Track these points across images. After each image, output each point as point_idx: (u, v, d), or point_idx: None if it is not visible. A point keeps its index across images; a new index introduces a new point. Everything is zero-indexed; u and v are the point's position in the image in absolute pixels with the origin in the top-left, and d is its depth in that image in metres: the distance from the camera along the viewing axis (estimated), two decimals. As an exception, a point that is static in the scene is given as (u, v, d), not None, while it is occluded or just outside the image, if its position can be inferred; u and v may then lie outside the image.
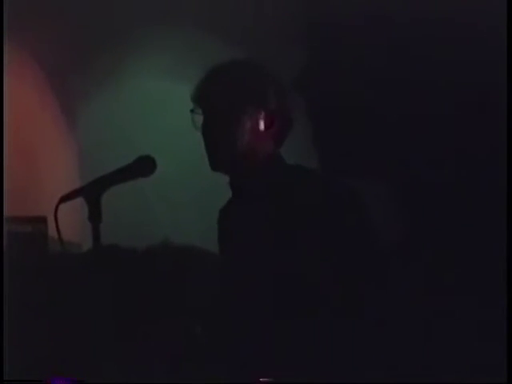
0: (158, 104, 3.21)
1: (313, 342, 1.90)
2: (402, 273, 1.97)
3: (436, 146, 2.15)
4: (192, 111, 2.28)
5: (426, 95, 2.15)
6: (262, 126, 2.21)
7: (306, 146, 2.34)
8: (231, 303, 2.07)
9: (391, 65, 2.20)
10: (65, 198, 2.06)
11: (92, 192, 2.02)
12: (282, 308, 1.98)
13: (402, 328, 1.89)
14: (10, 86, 2.63)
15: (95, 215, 2.02)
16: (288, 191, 2.12)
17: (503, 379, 1.75)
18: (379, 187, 2.17)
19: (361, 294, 1.90)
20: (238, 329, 2.03)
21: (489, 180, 2.01)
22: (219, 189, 2.33)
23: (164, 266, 2.12)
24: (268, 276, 2.02)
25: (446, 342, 1.94)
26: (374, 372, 1.81)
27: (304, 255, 2.00)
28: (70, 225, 2.16)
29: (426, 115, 2.14)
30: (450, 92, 2.07)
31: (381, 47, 2.20)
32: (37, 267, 2.33)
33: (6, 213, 2.30)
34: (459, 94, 2.09)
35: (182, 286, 2.09)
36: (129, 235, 2.26)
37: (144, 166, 2.12)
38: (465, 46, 2.05)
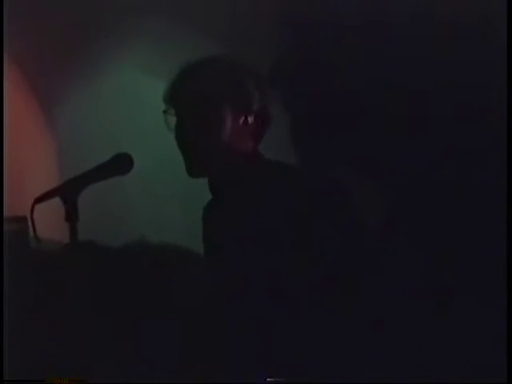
0: (137, 101, 3.19)
1: (298, 343, 1.89)
2: (400, 272, 1.96)
3: (423, 140, 2.14)
4: (165, 112, 2.19)
5: (413, 91, 2.14)
6: (239, 123, 2.14)
7: (285, 143, 2.31)
8: (213, 302, 2.05)
9: (374, 60, 2.18)
10: (40, 199, 2.03)
11: (68, 192, 2.00)
12: (267, 307, 1.96)
13: (401, 328, 1.88)
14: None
15: (72, 215, 2.00)
16: (268, 188, 2.06)
17: (503, 379, 1.74)
18: (362, 182, 2.15)
19: (355, 294, 1.88)
20: (223, 329, 2.01)
21: (488, 179, 2.00)
22: (202, 186, 2.30)
23: (141, 264, 2.09)
24: (251, 275, 1.99)
25: (446, 342, 1.94)
26: (373, 372, 1.80)
27: (287, 254, 1.97)
28: (49, 224, 2.14)
29: (412, 111, 2.13)
30: (436, 88, 2.06)
31: (363, 41, 2.18)
32: (18, 267, 2.31)
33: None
34: (447, 92, 2.08)
35: (161, 284, 2.07)
36: (107, 234, 2.24)
37: (121, 163, 2.10)
38: (464, 46, 2.03)
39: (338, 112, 2.15)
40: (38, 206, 2.05)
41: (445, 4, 2.07)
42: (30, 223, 2.09)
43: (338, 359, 1.84)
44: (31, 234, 2.14)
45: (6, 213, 2.42)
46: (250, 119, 2.14)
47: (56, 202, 2.03)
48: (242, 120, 2.14)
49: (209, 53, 2.26)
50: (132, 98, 3.21)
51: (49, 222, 2.13)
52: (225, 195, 2.17)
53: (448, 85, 2.10)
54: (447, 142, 2.15)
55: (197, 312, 2.03)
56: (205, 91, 2.14)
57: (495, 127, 1.97)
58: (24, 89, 3.26)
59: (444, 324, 1.94)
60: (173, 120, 2.18)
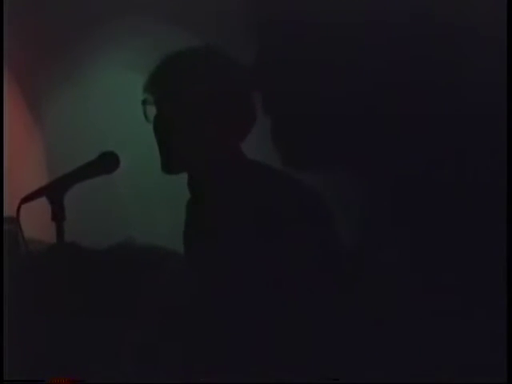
0: (123, 100, 3.18)
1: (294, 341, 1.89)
2: (399, 272, 1.96)
3: (419, 140, 2.13)
4: (143, 102, 2.10)
5: (409, 90, 2.13)
6: (220, 118, 2.04)
7: (269, 143, 2.28)
8: (197, 302, 2.04)
9: (366, 57, 2.17)
10: (26, 199, 2.03)
11: (54, 191, 1.99)
12: (250, 307, 1.94)
13: (401, 328, 1.87)
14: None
15: (59, 214, 1.99)
16: (250, 188, 1.99)
17: (503, 379, 1.74)
18: (348, 181, 2.14)
19: (353, 293, 1.87)
20: (211, 328, 2.01)
21: (488, 180, 2.00)
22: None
23: (126, 265, 2.08)
24: (233, 275, 1.97)
25: (446, 342, 1.93)
26: (373, 372, 1.79)
27: (269, 253, 1.93)
28: (36, 224, 2.14)
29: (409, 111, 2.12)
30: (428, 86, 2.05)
31: (355, 39, 2.17)
32: (9, 268, 2.30)
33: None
34: (445, 92, 2.08)
35: (146, 284, 2.07)
36: (94, 233, 2.24)
37: (107, 162, 2.09)
38: (464, 46, 2.03)
39: (326, 112, 2.14)
40: (25, 206, 2.04)
41: (445, 4, 2.07)
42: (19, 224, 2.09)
43: (336, 359, 1.83)
44: (19, 234, 2.14)
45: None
46: (233, 115, 2.06)
47: (43, 201, 2.03)
48: (223, 115, 2.05)
49: (183, 44, 2.19)
50: (119, 97, 3.20)
51: (36, 222, 2.13)
52: (204, 194, 2.10)
53: (447, 84, 2.10)
54: (446, 142, 2.14)
55: (182, 311, 2.03)
56: (185, 82, 2.04)
57: (495, 127, 1.97)
58: (12, 89, 3.25)
59: (444, 324, 1.94)
60: (152, 110, 2.09)
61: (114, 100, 3.20)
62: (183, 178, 2.26)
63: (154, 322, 2.00)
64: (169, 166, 2.09)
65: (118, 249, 2.06)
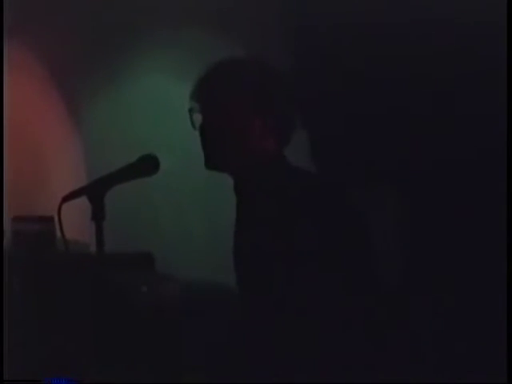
0: (161, 103, 3.22)
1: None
2: (401, 272, 1.98)
3: (441, 149, 2.14)
4: (190, 110, 2.21)
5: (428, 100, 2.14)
6: (262, 124, 2.15)
7: (310, 150, 2.32)
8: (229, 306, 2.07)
9: (394, 67, 2.19)
10: (67, 198, 2.05)
11: (95, 191, 2.02)
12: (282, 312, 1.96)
13: (401, 328, 1.89)
14: (14, 87, 2.64)
15: (98, 214, 2.02)
16: (289, 194, 2.07)
17: (503, 379, 1.74)
18: (381, 193, 2.16)
19: (356, 293, 1.89)
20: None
21: (488, 182, 2.00)
22: (225, 191, 2.32)
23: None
24: (268, 277, 2.00)
25: (446, 342, 1.95)
26: (374, 372, 1.81)
27: (303, 259, 1.97)
28: (76, 224, 2.17)
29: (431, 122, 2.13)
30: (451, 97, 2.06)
31: (382, 49, 2.19)
32: (43, 267, 2.33)
33: (9, 213, 2.31)
34: (446, 94, 2.09)
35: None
36: (132, 234, 2.27)
37: (147, 165, 2.11)
38: (464, 47, 2.04)
39: (366, 121, 2.16)
40: (65, 206, 2.08)
41: (445, 5, 2.08)
42: (56, 223, 2.12)
43: (338, 359, 1.84)
44: (57, 233, 2.17)
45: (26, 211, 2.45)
46: (274, 121, 2.15)
47: (83, 202, 2.06)
48: (265, 121, 2.15)
49: (228, 55, 2.28)
50: (159, 102, 3.24)
51: (75, 221, 2.16)
52: (244, 195, 2.18)
53: (448, 88, 2.11)
54: (447, 144, 2.15)
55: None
56: (230, 90, 2.15)
57: (496, 129, 1.98)
58: (54, 92, 3.30)
59: (444, 324, 1.95)
60: (198, 118, 2.20)
61: (155, 105, 3.24)
62: (220, 184, 2.31)
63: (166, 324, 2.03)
64: (210, 162, 2.19)
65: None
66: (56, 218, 2.07)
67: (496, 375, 1.76)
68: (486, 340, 1.83)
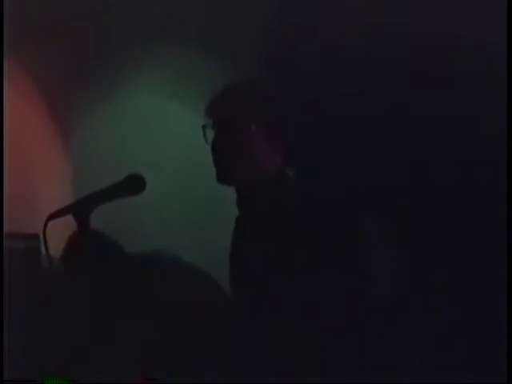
0: (150, 122, 3.22)
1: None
2: (401, 272, 1.97)
3: (441, 149, 2.14)
4: (204, 126, 2.31)
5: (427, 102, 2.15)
6: (270, 142, 2.26)
7: (314, 164, 2.35)
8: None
9: (392, 70, 2.19)
10: (53, 216, 2.06)
11: (80, 210, 2.03)
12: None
13: (401, 328, 1.89)
14: (7, 103, 2.64)
15: (84, 233, 2.02)
16: (294, 208, 2.14)
17: (503, 379, 1.74)
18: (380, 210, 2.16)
19: (356, 294, 1.90)
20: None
21: (489, 185, 2.01)
22: (213, 210, 2.33)
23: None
24: (268, 289, 2.03)
25: (446, 342, 1.94)
26: (374, 372, 1.80)
27: (307, 272, 2.01)
28: (61, 242, 2.17)
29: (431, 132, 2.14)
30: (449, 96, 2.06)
31: (386, 60, 2.20)
32: (29, 283, 2.33)
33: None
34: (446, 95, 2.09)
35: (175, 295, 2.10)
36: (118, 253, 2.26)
37: (133, 184, 2.12)
38: (464, 48, 2.05)
39: (370, 136, 2.16)
40: (51, 223, 2.07)
41: (444, 6, 2.09)
42: (41, 240, 2.12)
43: (340, 359, 1.84)
44: (43, 251, 2.17)
45: (11, 227, 2.45)
46: (281, 139, 2.26)
47: (69, 220, 2.06)
48: (272, 140, 2.26)
49: (224, 77, 2.35)
50: (147, 121, 3.25)
51: (61, 240, 2.16)
52: (249, 208, 2.25)
53: (446, 88, 2.11)
54: (445, 145, 2.16)
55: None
56: (242, 109, 2.27)
57: (496, 130, 1.98)
58: (43, 110, 3.30)
59: (444, 324, 1.95)
60: (210, 133, 2.30)
61: (143, 124, 3.24)
62: (208, 203, 2.33)
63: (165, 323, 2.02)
64: (221, 176, 2.30)
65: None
66: (42, 236, 2.07)
67: (496, 375, 1.76)
68: (486, 340, 1.82)
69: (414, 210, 2.17)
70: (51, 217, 2.06)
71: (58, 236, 2.11)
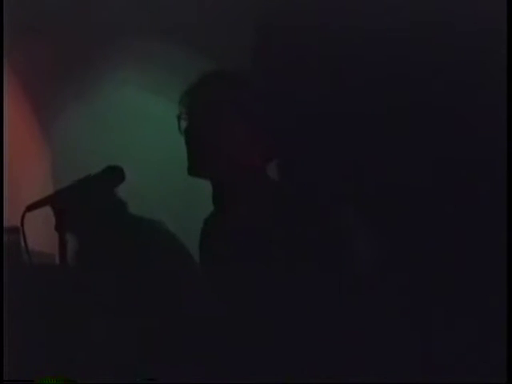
0: (131, 116, 3.22)
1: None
2: (401, 272, 1.97)
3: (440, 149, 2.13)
4: (178, 117, 2.22)
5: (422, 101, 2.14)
6: (247, 136, 2.18)
7: (292, 159, 2.33)
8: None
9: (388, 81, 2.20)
10: (31, 207, 2.05)
11: (58, 201, 2.02)
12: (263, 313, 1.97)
13: (401, 328, 1.88)
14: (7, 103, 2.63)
15: (62, 225, 2.02)
16: (270, 203, 2.09)
17: (503, 379, 1.74)
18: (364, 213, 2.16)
19: (356, 294, 1.89)
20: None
21: (489, 188, 2.01)
22: (194, 200, 2.32)
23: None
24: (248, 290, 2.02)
25: (446, 342, 1.94)
26: (373, 372, 1.80)
27: (285, 269, 1.99)
28: (40, 233, 2.16)
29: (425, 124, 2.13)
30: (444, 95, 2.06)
31: (375, 64, 2.20)
32: (12, 276, 2.32)
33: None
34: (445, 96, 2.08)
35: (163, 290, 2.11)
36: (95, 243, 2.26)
37: (112, 175, 2.12)
38: (464, 49, 2.04)
39: (347, 130, 2.16)
40: (29, 215, 2.07)
41: (444, 6, 2.08)
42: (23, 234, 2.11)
43: (340, 359, 1.84)
44: (22, 244, 2.16)
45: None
46: (257, 132, 2.18)
47: (47, 210, 2.06)
48: (248, 131, 2.17)
49: (218, 69, 2.32)
50: (127, 113, 3.24)
51: (39, 231, 2.15)
52: (225, 204, 2.19)
53: (446, 88, 2.11)
54: (447, 144, 2.15)
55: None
56: (217, 100, 2.18)
57: (496, 131, 1.98)
58: (23, 103, 3.30)
59: (444, 324, 1.94)
60: (184, 124, 2.21)
61: (122, 117, 3.24)
62: (190, 196, 2.31)
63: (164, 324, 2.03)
64: (193, 169, 2.19)
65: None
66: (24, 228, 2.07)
67: (496, 375, 1.76)
68: (486, 340, 1.83)
69: (413, 209, 2.17)
70: (29, 208, 2.05)
71: (37, 228, 2.11)
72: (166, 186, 2.44)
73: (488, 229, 1.98)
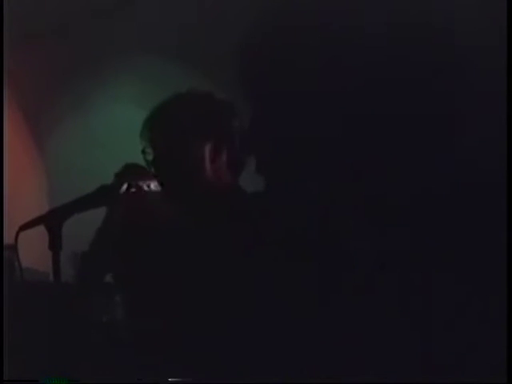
0: (123, 131, 3.22)
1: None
2: (400, 271, 1.97)
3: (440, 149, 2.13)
4: (143, 151, 2.24)
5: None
6: (215, 157, 2.18)
7: (265, 175, 2.33)
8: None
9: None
10: (25, 227, 2.05)
11: (52, 220, 2.02)
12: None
13: (401, 327, 1.88)
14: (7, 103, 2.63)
15: (55, 243, 2.01)
16: (249, 220, 2.07)
17: (503, 379, 1.74)
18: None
19: (356, 293, 1.89)
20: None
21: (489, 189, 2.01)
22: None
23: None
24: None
25: (446, 342, 1.93)
26: (372, 372, 1.80)
27: (264, 284, 1.99)
28: (33, 252, 2.16)
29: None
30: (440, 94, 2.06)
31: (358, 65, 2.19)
32: (6, 295, 2.32)
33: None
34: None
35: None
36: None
37: (106, 194, 2.12)
38: (463, 49, 2.04)
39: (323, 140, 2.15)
40: (24, 234, 2.07)
41: (444, 6, 2.08)
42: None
43: (340, 359, 1.84)
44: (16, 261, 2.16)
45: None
46: (226, 152, 2.18)
47: (40, 230, 2.06)
48: (217, 153, 2.18)
49: (198, 87, 2.30)
50: (120, 131, 3.25)
51: (33, 250, 2.15)
52: (206, 226, 2.18)
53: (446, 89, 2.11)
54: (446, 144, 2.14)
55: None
56: (180, 128, 2.18)
57: (496, 131, 1.98)
58: (18, 119, 3.30)
59: (444, 323, 1.94)
60: (150, 157, 2.23)
61: (116, 133, 3.24)
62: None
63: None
64: (168, 196, 2.19)
65: None
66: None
67: (496, 375, 1.76)
68: (486, 340, 1.82)
69: (412, 209, 2.17)
70: (23, 227, 2.05)
71: (30, 247, 2.11)
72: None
73: (488, 229, 1.98)
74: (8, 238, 2.29)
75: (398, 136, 2.09)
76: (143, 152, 2.25)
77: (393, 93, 1.99)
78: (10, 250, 2.39)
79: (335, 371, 1.82)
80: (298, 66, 2.03)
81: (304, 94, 2.00)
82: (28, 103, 3.27)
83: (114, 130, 3.24)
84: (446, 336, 1.88)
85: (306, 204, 2.03)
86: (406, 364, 1.81)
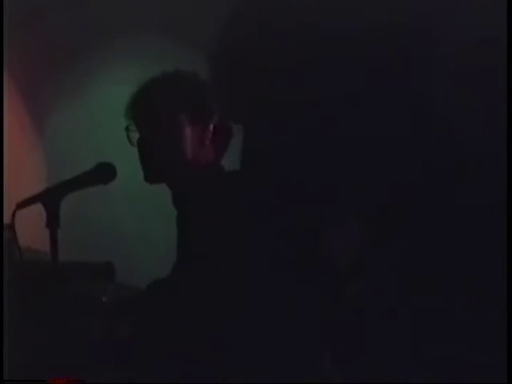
0: (121, 112, 3.22)
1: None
2: (401, 270, 1.97)
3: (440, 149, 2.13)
4: (127, 129, 2.22)
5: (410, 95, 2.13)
6: (198, 135, 2.16)
7: (249, 158, 2.32)
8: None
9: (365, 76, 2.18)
10: (22, 205, 2.05)
11: (49, 198, 2.01)
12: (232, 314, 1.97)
13: (401, 327, 1.88)
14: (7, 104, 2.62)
15: (53, 221, 2.01)
16: (230, 202, 2.02)
17: (503, 379, 1.75)
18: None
19: (347, 293, 1.89)
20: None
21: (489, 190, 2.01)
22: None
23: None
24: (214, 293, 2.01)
25: (446, 342, 1.93)
26: (372, 372, 1.80)
27: (249, 266, 1.97)
28: (30, 231, 2.16)
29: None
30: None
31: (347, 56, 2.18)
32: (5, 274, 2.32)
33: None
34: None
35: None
36: (88, 241, 2.26)
37: (103, 172, 2.11)
38: (463, 49, 2.03)
39: (304, 125, 2.14)
40: (21, 212, 2.06)
41: (443, 6, 2.07)
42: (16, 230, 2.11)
43: (340, 358, 1.84)
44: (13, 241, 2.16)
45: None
46: (210, 131, 2.16)
47: (38, 207, 2.05)
48: (201, 132, 2.16)
49: (196, 65, 2.28)
50: (118, 111, 3.24)
51: (30, 228, 2.15)
52: (186, 206, 2.17)
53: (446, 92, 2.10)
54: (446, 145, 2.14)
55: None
56: (164, 104, 2.16)
57: (496, 131, 1.97)
58: (17, 100, 3.30)
59: (444, 323, 1.94)
60: (135, 135, 2.21)
61: (114, 113, 3.23)
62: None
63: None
64: (149, 176, 2.20)
65: None
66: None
67: (496, 375, 1.76)
68: (486, 340, 1.83)
69: (412, 209, 2.16)
70: (19, 206, 2.05)
71: (28, 225, 2.10)
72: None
73: (488, 228, 1.98)
74: (7, 218, 2.28)
75: (393, 142, 2.09)
76: (127, 129, 2.23)
77: (389, 99, 1.99)
78: (8, 229, 2.39)
79: (335, 371, 1.82)
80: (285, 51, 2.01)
81: (291, 77, 1.99)
82: (28, 84, 3.26)
83: (111, 110, 3.24)
84: (446, 336, 1.89)
85: (297, 198, 2.02)
86: (405, 364, 1.81)
